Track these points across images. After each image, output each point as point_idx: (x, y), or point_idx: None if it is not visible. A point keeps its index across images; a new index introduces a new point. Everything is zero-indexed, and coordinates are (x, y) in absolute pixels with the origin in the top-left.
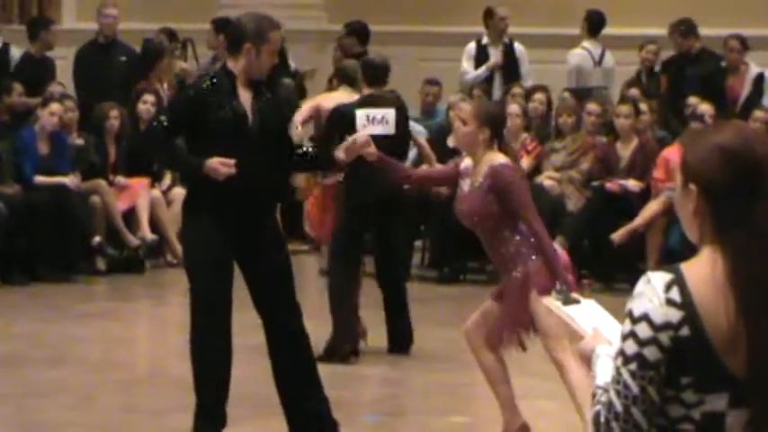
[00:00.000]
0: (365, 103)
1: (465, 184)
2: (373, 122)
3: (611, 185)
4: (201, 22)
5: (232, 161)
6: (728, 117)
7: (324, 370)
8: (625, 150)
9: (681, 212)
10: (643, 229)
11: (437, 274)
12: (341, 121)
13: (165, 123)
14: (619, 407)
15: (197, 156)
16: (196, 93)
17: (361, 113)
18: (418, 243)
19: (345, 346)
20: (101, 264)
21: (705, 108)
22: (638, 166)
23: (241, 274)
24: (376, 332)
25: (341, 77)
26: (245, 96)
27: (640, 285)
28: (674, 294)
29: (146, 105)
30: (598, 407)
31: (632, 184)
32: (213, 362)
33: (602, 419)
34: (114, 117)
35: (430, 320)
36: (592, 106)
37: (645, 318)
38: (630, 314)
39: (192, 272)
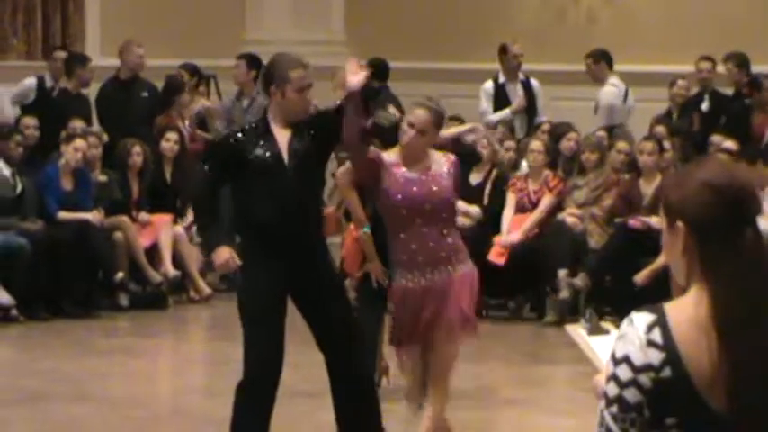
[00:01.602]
0: None
1: (404, 173)
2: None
3: (633, 222)
4: (225, 58)
5: (236, 261)
6: (752, 155)
7: None
8: (648, 187)
9: (669, 255)
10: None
11: None
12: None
13: (208, 171)
14: None
15: (244, 195)
16: (234, 137)
17: None
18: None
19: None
20: (123, 300)
21: (729, 144)
22: (661, 203)
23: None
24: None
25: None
26: (281, 137)
27: (623, 326)
28: (656, 335)
29: (169, 143)
30: None
31: (655, 222)
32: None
33: None
34: (137, 153)
35: None
36: (622, 144)
37: (625, 360)
38: (613, 356)
39: (246, 323)
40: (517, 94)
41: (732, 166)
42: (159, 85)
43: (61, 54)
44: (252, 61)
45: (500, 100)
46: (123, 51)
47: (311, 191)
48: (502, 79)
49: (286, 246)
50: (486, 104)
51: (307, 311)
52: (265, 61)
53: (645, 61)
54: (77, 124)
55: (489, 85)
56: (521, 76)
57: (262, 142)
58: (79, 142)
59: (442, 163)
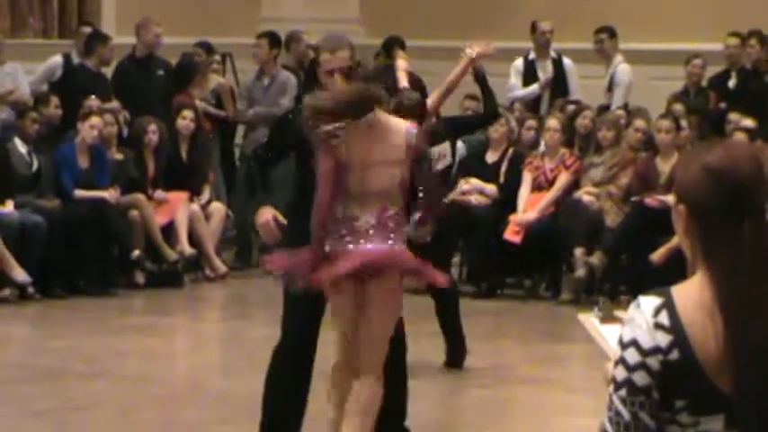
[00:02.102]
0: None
1: None
2: (437, 161)
3: (650, 201)
4: (241, 36)
5: (280, 220)
6: None
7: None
8: (665, 165)
9: (677, 232)
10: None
11: (474, 290)
12: None
13: (263, 154)
14: None
15: (302, 175)
16: (291, 119)
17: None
18: (456, 258)
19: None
20: (139, 278)
21: (748, 123)
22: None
23: None
24: (419, 346)
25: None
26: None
27: (631, 310)
28: (663, 318)
29: (185, 121)
30: None
31: (671, 200)
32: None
33: None
34: (153, 131)
35: (467, 335)
36: (639, 122)
37: (633, 343)
38: (620, 340)
39: (287, 311)
40: (546, 72)
41: (744, 153)
42: (174, 63)
43: (86, 30)
44: (274, 40)
45: (529, 77)
46: (140, 29)
47: None
48: (532, 56)
49: None
50: (514, 80)
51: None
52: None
53: (660, 39)
54: (94, 102)
55: (519, 61)
56: (552, 54)
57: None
58: (95, 119)
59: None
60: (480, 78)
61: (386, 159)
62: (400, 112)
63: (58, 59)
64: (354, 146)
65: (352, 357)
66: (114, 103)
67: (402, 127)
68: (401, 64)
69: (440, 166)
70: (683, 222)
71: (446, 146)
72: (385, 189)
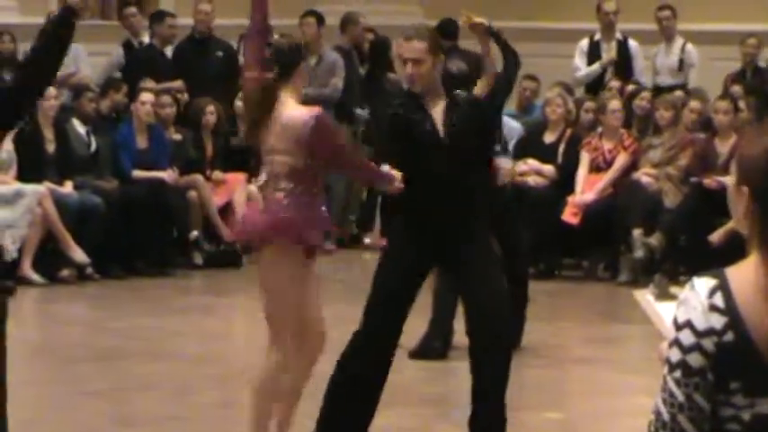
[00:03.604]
0: None
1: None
2: None
3: (709, 182)
4: (294, 17)
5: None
6: None
7: (416, 366)
8: (723, 147)
9: (734, 211)
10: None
11: (532, 270)
12: None
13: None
14: (665, 415)
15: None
16: (395, 110)
17: None
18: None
19: (436, 343)
20: (198, 258)
21: None
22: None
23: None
24: None
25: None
26: (434, 110)
27: (685, 292)
28: (718, 300)
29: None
30: (651, 416)
31: (731, 181)
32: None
33: (652, 428)
34: (210, 112)
35: (529, 315)
36: (694, 103)
37: (688, 324)
38: (675, 321)
39: (371, 298)
40: (611, 53)
41: None
42: (233, 44)
43: (132, 10)
44: (320, 19)
45: (594, 58)
46: (194, 9)
47: (468, 165)
48: (597, 37)
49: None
50: (578, 61)
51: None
52: (333, 20)
53: (716, 20)
54: (149, 84)
55: (584, 42)
56: (618, 35)
57: (419, 115)
58: (145, 95)
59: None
60: (494, 36)
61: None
62: (446, 80)
63: (119, 51)
64: None
65: None
66: (174, 83)
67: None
68: None
69: None
70: (743, 204)
71: None
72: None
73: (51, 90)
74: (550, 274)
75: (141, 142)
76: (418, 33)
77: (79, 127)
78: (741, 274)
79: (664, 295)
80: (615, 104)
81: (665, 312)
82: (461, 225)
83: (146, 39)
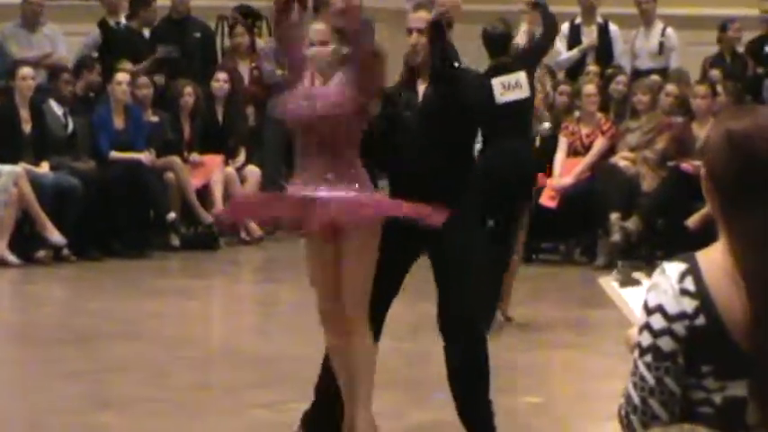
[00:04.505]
0: (496, 71)
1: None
2: (509, 89)
3: (686, 166)
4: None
5: None
6: None
7: (394, 349)
8: (701, 131)
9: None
10: None
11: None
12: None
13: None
14: (636, 399)
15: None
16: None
17: (496, 82)
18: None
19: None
20: (175, 240)
21: None
22: None
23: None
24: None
25: None
26: (421, 87)
27: (655, 276)
28: (689, 284)
29: (219, 83)
30: (621, 400)
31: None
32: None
33: (623, 412)
34: (189, 94)
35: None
36: (670, 87)
37: (659, 309)
38: (646, 306)
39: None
40: (591, 37)
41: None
42: (211, 25)
43: None
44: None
45: (574, 42)
46: None
47: (442, 147)
48: (578, 21)
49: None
50: (559, 44)
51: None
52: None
53: (694, 4)
54: (126, 65)
55: (565, 26)
56: (599, 19)
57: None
58: (121, 75)
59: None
60: (541, 7)
61: None
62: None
63: (95, 31)
64: None
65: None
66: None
67: None
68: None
69: (512, 96)
70: (705, 185)
71: (518, 76)
72: None
73: (28, 70)
74: (528, 258)
75: (118, 123)
76: (425, 4)
77: (56, 108)
78: (711, 257)
79: (628, 281)
80: (590, 89)
81: (630, 298)
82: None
83: (122, 19)
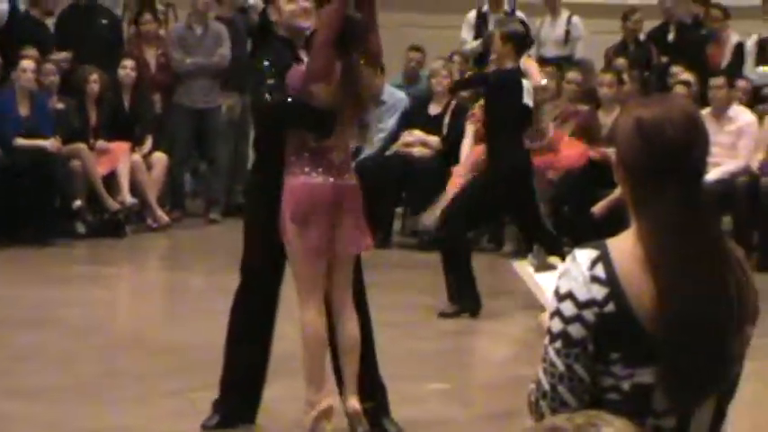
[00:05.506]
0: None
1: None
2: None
3: (592, 153)
4: None
5: None
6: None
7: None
8: (607, 118)
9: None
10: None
11: (416, 241)
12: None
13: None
14: (546, 385)
15: None
16: None
17: (527, 83)
18: (399, 210)
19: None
20: (81, 228)
21: (687, 76)
22: None
23: None
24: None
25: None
26: None
27: (566, 263)
28: (599, 271)
29: (125, 70)
30: (531, 386)
31: (613, 153)
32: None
33: (533, 398)
34: (94, 81)
35: (409, 287)
36: (571, 74)
37: (569, 296)
38: (557, 292)
39: (247, 247)
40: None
41: (681, 112)
42: (118, 12)
43: None
44: None
45: (481, 30)
46: None
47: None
48: (485, 8)
49: None
50: (466, 34)
51: None
52: None
53: None
54: (30, 52)
55: (472, 14)
56: (506, 7)
57: None
58: (25, 63)
59: None
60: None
61: None
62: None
63: (3, 7)
64: None
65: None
66: (61, 54)
67: None
68: None
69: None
70: (617, 173)
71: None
72: None
73: None
74: (434, 245)
75: (23, 110)
76: None
77: None
78: (621, 244)
79: (543, 266)
80: None
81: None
82: None
83: (21, 6)
